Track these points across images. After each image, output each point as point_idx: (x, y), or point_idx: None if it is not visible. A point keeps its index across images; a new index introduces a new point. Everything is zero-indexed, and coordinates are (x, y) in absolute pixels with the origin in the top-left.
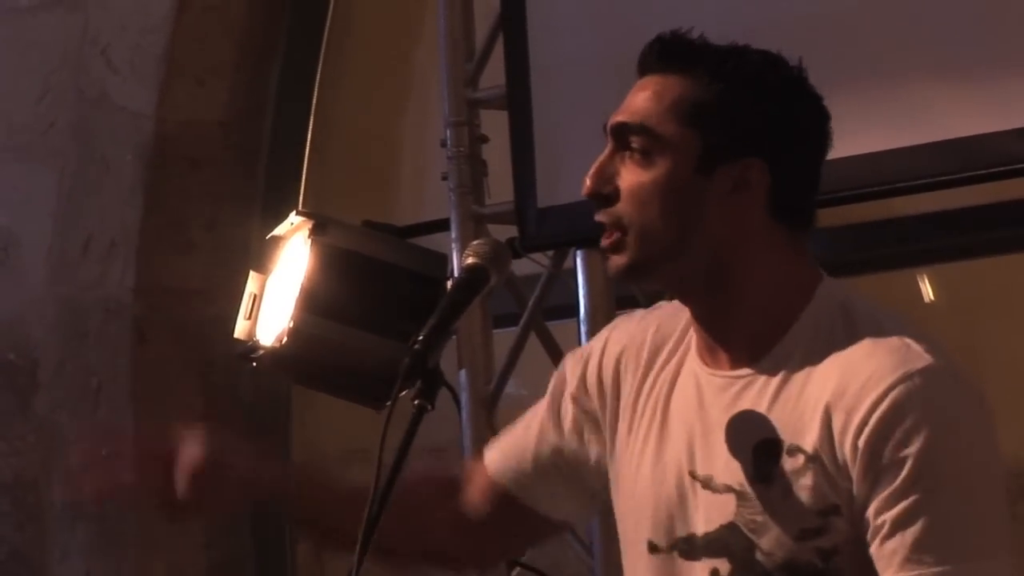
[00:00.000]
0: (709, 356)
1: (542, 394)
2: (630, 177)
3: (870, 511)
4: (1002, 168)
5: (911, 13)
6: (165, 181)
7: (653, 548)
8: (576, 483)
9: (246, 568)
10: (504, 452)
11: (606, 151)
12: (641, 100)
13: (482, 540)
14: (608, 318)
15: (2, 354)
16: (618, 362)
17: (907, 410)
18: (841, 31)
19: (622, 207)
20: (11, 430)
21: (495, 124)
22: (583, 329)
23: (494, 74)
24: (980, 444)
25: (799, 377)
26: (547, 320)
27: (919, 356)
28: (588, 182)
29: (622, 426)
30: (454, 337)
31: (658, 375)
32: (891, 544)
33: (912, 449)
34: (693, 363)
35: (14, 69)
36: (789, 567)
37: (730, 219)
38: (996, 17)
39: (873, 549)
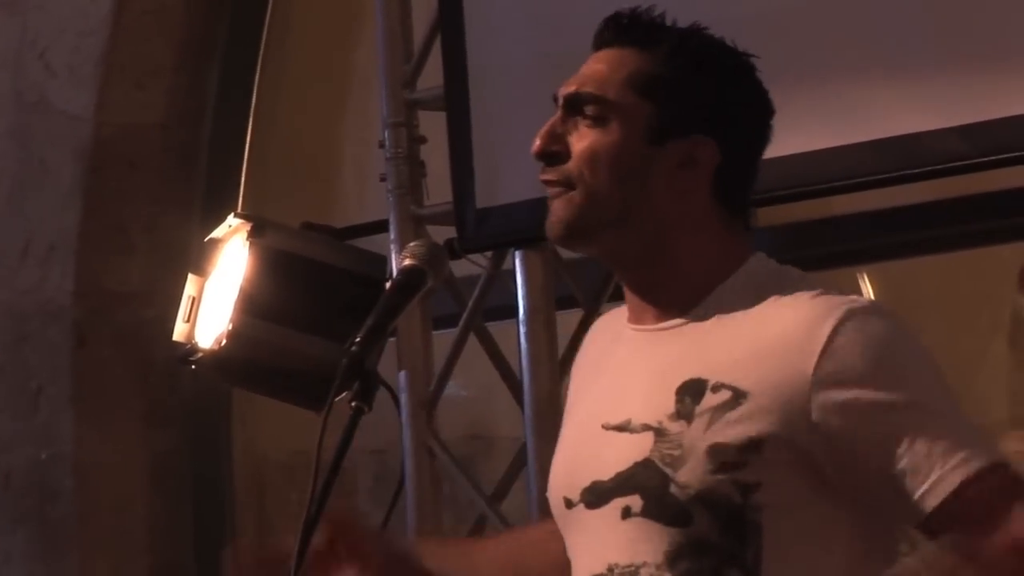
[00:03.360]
0: (640, 315)
1: (482, 395)
2: (582, 140)
3: (871, 442)
4: (941, 166)
5: (850, 12)
6: (104, 184)
7: (568, 504)
8: None
9: (187, 571)
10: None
11: (556, 117)
12: (597, 70)
13: None
14: (547, 318)
15: None
16: (588, 341)
17: (861, 339)
18: (780, 30)
19: (572, 165)
20: None
21: (434, 125)
22: (522, 330)
23: (432, 75)
24: (932, 359)
25: (728, 322)
26: (487, 321)
27: (857, 299)
28: (538, 141)
29: (571, 388)
30: (393, 338)
31: (597, 358)
32: (916, 460)
33: (879, 370)
34: (621, 327)
35: None
36: (704, 499)
37: (674, 194)
38: (934, 16)
39: (898, 470)
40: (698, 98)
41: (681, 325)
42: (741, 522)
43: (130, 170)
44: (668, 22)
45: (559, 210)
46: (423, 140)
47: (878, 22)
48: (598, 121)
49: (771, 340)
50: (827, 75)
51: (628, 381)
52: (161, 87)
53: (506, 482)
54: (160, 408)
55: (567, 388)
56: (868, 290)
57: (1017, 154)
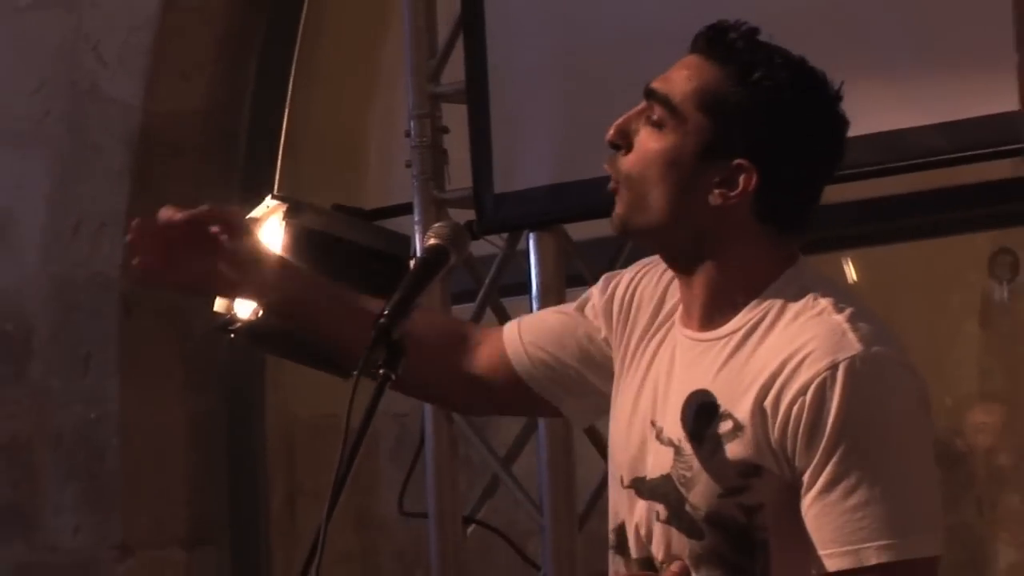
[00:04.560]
0: (687, 318)
1: None
2: (642, 139)
3: (804, 488)
4: (921, 160)
5: (840, 18)
6: (150, 167)
7: (623, 482)
8: (587, 385)
9: (222, 523)
10: (525, 338)
11: (637, 108)
12: (678, 75)
13: (476, 394)
14: (559, 295)
15: (1, 325)
16: (632, 302)
17: (828, 399)
18: (775, 34)
19: (627, 162)
20: (7, 394)
21: (455, 116)
22: (535, 306)
23: (455, 70)
24: (903, 426)
25: (745, 350)
26: (502, 297)
27: (851, 344)
28: (612, 131)
29: (625, 363)
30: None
31: (658, 330)
32: (824, 519)
33: (833, 433)
34: (677, 323)
35: (12, 63)
36: (712, 520)
37: (713, 208)
38: (917, 22)
39: (808, 521)
40: (749, 123)
41: (713, 340)
42: (748, 540)
43: (174, 154)
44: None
45: (617, 206)
46: (446, 130)
47: (866, 28)
48: (657, 125)
49: (763, 377)
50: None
51: (668, 386)
52: (204, 78)
53: (517, 445)
54: (199, 373)
55: (612, 297)
56: (852, 273)
57: (991, 149)
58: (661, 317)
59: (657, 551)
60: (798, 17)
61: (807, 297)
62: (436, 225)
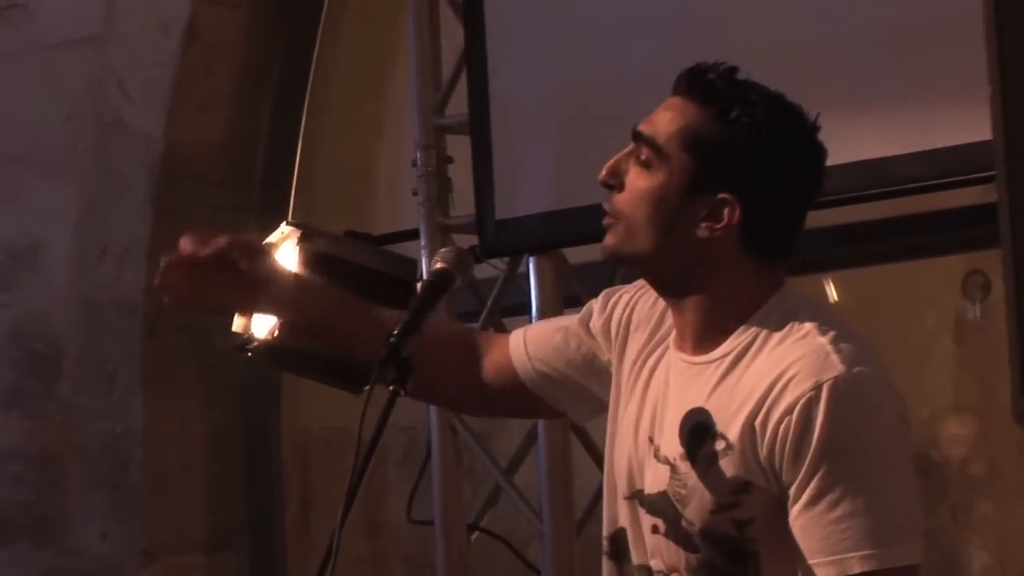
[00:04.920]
0: (679, 340)
1: None
2: (632, 178)
3: (791, 501)
4: (898, 187)
5: (823, 52)
6: (172, 195)
7: (624, 493)
8: (586, 390)
9: (240, 530)
10: (529, 346)
11: (626, 149)
12: (660, 117)
13: (483, 398)
14: (556, 315)
15: (31, 344)
16: (629, 322)
17: (813, 417)
18: (761, 67)
19: (620, 200)
20: (38, 410)
21: (459, 147)
22: None
23: (459, 104)
24: (883, 441)
25: (735, 373)
26: (503, 317)
27: (833, 366)
28: (604, 171)
29: (624, 379)
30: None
31: (653, 350)
32: (809, 531)
33: (818, 450)
34: (671, 346)
35: (43, 97)
36: (707, 534)
37: (700, 240)
38: (896, 56)
39: (795, 534)
40: (730, 160)
41: (705, 364)
42: (740, 552)
43: (195, 184)
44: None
45: (608, 239)
46: (450, 160)
47: (847, 62)
48: (646, 165)
49: (752, 398)
50: (803, 107)
51: (665, 406)
52: (223, 112)
53: (518, 457)
54: (218, 390)
55: (611, 316)
56: (833, 293)
57: (964, 177)
58: (658, 337)
59: (656, 563)
60: (783, 53)
61: (792, 321)
62: (442, 250)
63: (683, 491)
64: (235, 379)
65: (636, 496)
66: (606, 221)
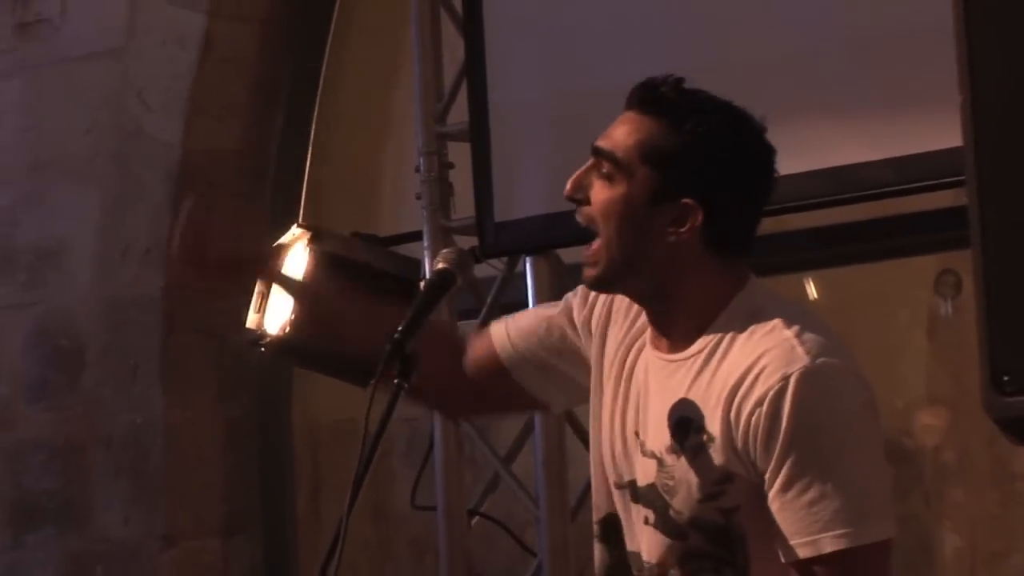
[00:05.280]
0: (657, 342)
1: None
2: (597, 192)
3: (767, 487)
4: (873, 191)
5: (799, 63)
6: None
7: (616, 485)
8: (567, 377)
9: (254, 516)
10: (512, 334)
11: (587, 165)
12: (617, 132)
13: (468, 394)
14: None
15: (56, 340)
16: (608, 316)
17: (781, 408)
18: (743, 78)
19: (587, 212)
20: (63, 402)
21: (460, 153)
22: None
23: (460, 112)
24: (850, 427)
25: (710, 368)
26: (502, 314)
27: (798, 357)
28: (569, 186)
29: (603, 371)
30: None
31: (630, 348)
32: (785, 515)
33: (787, 438)
34: (648, 345)
35: (67, 107)
36: (695, 523)
37: (668, 245)
38: (870, 67)
39: (774, 517)
40: (688, 167)
41: (681, 361)
42: (727, 537)
43: (210, 188)
44: (674, 86)
45: (590, 271)
46: (451, 166)
47: (822, 73)
48: (608, 178)
49: (726, 391)
50: (783, 116)
51: (647, 403)
52: (237, 121)
53: (516, 446)
54: (232, 383)
55: (592, 311)
56: (812, 291)
57: (936, 181)
58: (634, 332)
59: (647, 552)
60: (761, 65)
61: (759, 316)
62: (444, 251)
63: (670, 483)
64: (249, 373)
65: (629, 487)
66: (589, 252)
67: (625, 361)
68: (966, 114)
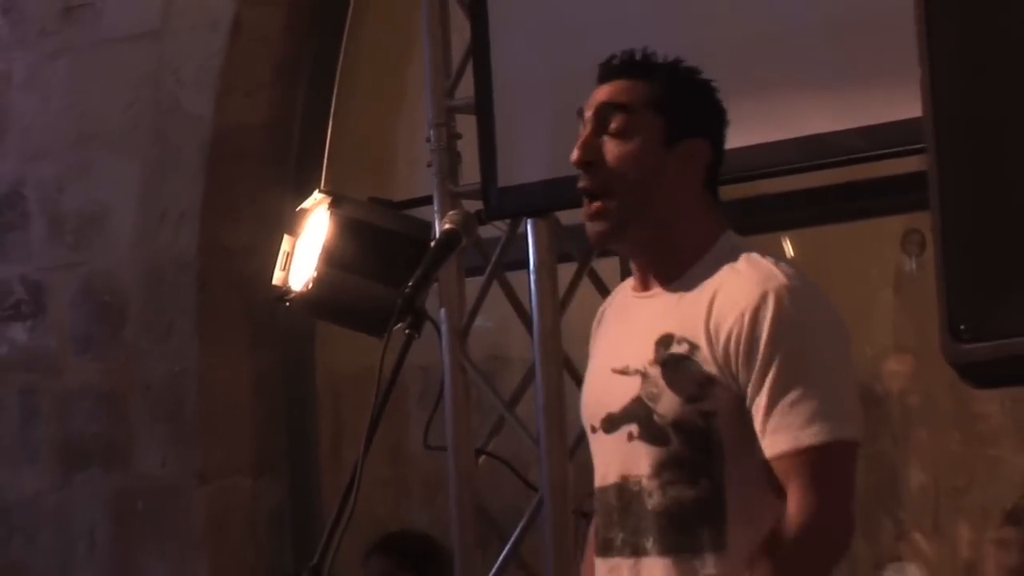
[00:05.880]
0: (641, 285)
1: (501, 326)
2: (612, 149)
3: (749, 389)
4: (843, 157)
5: (774, 40)
6: (221, 169)
7: (593, 429)
8: None
9: (281, 456)
10: None
11: (588, 128)
12: (616, 91)
13: None
14: (551, 270)
15: (100, 297)
16: (603, 309)
17: (762, 319)
18: (726, 54)
19: (607, 172)
20: (107, 353)
21: (467, 125)
22: (532, 278)
23: (467, 87)
24: (825, 337)
25: (695, 293)
26: (505, 271)
27: (777, 277)
28: (577, 153)
29: (592, 344)
30: (436, 284)
31: (614, 303)
32: (766, 414)
33: (768, 346)
34: (627, 295)
35: (109, 85)
36: (678, 425)
37: (681, 184)
38: (841, 43)
39: (756, 421)
40: (693, 111)
41: (666, 293)
42: (706, 442)
43: (240, 158)
44: (645, 55)
45: (596, 224)
46: (459, 136)
47: (796, 48)
48: (623, 134)
49: (714, 306)
50: (760, 89)
51: (629, 335)
52: (264, 96)
53: (519, 392)
54: (261, 336)
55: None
56: (789, 250)
57: (901, 148)
58: (618, 299)
59: (629, 468)
60: (741, 43)
61: (742, 251)
62: (451, 213)
63: (655, 390)
64: (275, 326)
65: (602, 425)
66: (591, 207)
67: (600, 329)
68: (925, 87)
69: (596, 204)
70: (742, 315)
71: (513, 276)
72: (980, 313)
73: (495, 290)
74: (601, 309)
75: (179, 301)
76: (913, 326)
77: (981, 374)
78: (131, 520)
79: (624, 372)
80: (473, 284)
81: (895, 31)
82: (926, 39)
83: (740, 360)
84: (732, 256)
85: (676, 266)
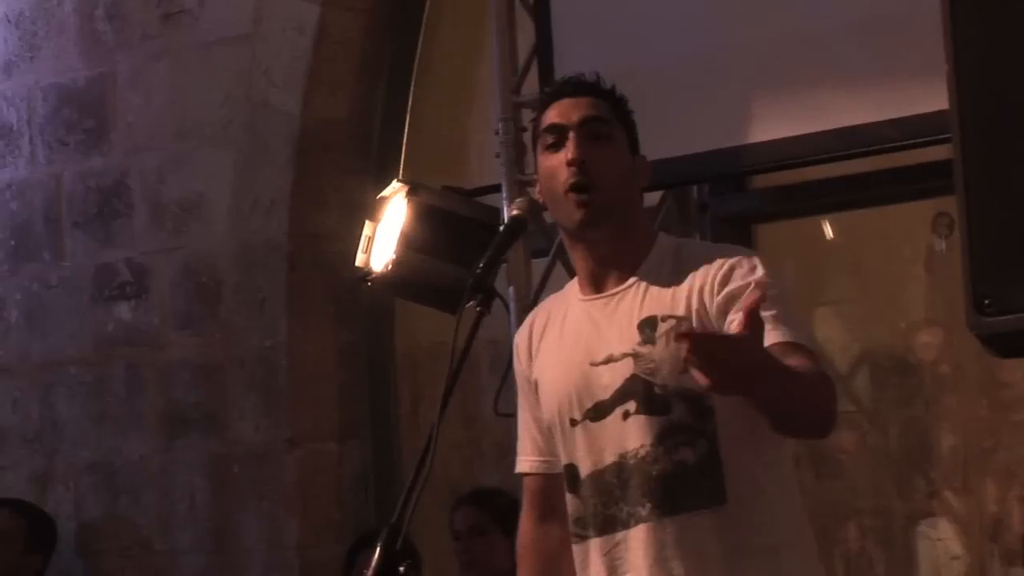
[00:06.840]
0: (594, 288)
1: None
2: (602, 153)
3: (726, 304)
4: (879, 147)
5: (814, 39)
6: (308, 160)
7: (573, 422)
8: None
9: (364, 423)
10: (529, 454)
11: (573, 139)
12: (589, 107)
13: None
14: None
15: (198, 278)
16: (531, 329)
17: (736, 266)
18: (768, 53)
19: (596, 170)
20: (204, 329)
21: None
22: None
23: (532, 84)
24: (785, 284)
25: (661, 279)
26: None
27: (736, 251)
28: (576, 153)
29: (535, 358)
30: (504, 265)
31: (551, 319)
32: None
33: (745, 277)
34: (577, 304)
35: (205, 84)
36: (678, 393)
37: (637, 186)
38: (872, 43)
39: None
40: (632, 127)
41: (630, 286)
42: (701, 405)
43: (325, 150)
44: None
45: (584, 214)
46: (525, 129)
47: (836, 48)
48: (607, 140)
49: (687, 283)
50: (800, 85)
51: (600, 331)
52: (347, 93)
53: None
54: (346, 312)
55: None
56: (829, 232)
57: (930, 138)
58: (554, 315)
59: (624, 446)
60: (782, 41)
61: (688, 244)
62: (518, 200)
63: (651, 365)
64: (358, 304)
65: (588, 415)
66: (579, 199)
67: (550, 332)
68: (951, 82)
69: (585, 195)
70: (718, 270)
71: None
72: (1002, 289)
73: (558, 270)
74: (530, 321)
75: (270, 281)
76: (943, 301)
77: (1004, 344)
78: (227, 482)
79: (608, 361)
80: (538, 265)
81: (924, 30)
82: (952, 38)
83: (717, 294)
84: (678, 247)
85: (631, 260)
